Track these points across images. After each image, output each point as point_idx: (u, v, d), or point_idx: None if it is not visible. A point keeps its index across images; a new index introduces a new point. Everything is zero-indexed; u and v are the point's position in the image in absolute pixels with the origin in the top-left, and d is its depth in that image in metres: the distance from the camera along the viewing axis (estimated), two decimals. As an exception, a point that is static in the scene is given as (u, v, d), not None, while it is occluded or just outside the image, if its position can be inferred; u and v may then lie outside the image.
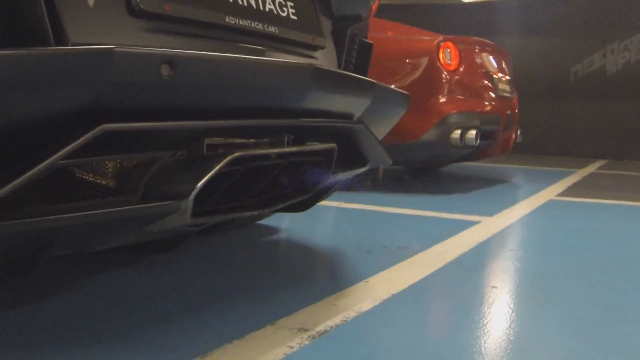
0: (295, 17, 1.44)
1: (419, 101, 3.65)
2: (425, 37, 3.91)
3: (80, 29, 0.91)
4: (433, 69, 3.81)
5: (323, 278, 1.81)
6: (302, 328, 1.26)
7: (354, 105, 1.49)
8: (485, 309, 1.48)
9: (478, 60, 4.15)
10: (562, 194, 4.03)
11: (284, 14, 1.40)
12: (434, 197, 3.69)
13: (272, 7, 1.35)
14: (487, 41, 4.38)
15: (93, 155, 0.92)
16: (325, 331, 1.26)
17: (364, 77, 1.61)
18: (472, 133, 3.87)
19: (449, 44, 3.84)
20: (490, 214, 3.05)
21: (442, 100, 3.82)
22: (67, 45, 0.88)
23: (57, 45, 0.86)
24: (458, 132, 3.78)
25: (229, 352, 1.13)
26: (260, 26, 1.29)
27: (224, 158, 1.06)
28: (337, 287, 1.60)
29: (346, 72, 1.55)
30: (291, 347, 1.16)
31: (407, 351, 1.19)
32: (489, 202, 3.63)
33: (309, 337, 1.22)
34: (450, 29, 6.24)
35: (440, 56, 3.81)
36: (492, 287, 1.69)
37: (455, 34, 4.18)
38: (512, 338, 1.29)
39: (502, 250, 2.26)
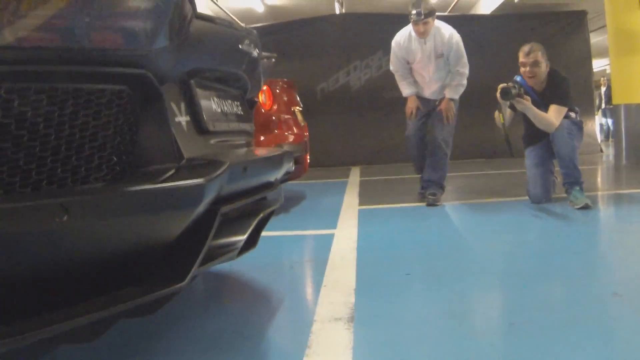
0: (242, 113, 2.41)
1: (247, 138, 4.72)
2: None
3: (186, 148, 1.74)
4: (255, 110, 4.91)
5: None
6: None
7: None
8: (409, 293, 2.67)
9: (284, 98, 5.37)
10: (362, 203, 5.45)
11: (240, 113, 2.36)
12: (277, 218, 4.80)
13: (236, 110, 2.31)
14: (284, 79, 5.63)
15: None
16: None
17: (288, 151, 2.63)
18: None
19: (266, 86, 4.99)
20: (333, 227, 4.27)
21: (264, 136, 4.95)
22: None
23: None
24: (279, 161, 4.96)
25: None
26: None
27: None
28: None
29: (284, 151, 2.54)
30: None
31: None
32: (319, 216, 4.87)
33: None
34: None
35: (260, 98, 4.93)
36: (407, 274, 2.88)
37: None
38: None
39: (377, 251, 3.47)
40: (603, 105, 15.43)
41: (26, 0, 1.19)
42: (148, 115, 1.51)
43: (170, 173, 1.47)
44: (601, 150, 10.24)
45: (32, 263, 1.18)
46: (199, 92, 1.82)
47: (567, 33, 10.30)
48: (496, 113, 4.56)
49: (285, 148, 4.98)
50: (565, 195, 4.59)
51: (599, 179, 6.90)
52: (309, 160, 6.06)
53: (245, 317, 2.34)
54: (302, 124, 5.71)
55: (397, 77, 5.28)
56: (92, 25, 1.29)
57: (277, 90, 5.23)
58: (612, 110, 9.64)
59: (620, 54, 7.62)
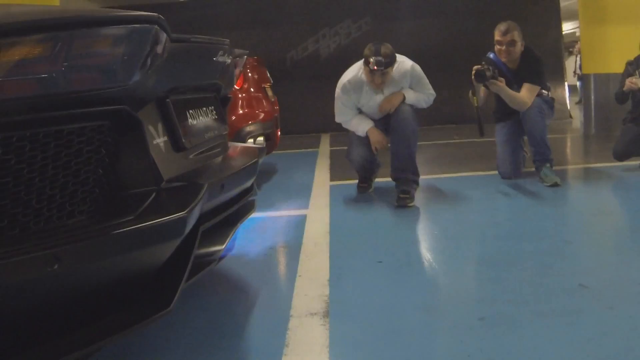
0: (216, 117, 2.47)
1: (218, 118, 4.78)
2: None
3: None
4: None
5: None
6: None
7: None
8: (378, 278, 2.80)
9: (255, 76, 5.40)
10: (333, 178, 5.54)
11: (214, 117, 2.42)
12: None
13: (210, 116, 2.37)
14: (254, 57, 5.65)
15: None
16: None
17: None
18: (261, 140, 5.16)
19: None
20: (305, 206, 4.36)
21: (235, 116, 4.99)
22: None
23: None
24: (251, 140, 5.02)
25: None
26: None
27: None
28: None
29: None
30: None
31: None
32: (291, 195, 4.96)
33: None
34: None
35: (230, 77, 4.96)
36: (379, 261, 3.00)
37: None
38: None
39: (349, 235, 3.58)
40: (579, 71, 15.60)
41: (1, 52, 1.24)
42: (128, 144, 1.57)
43: (148, 201, 1.53)
44: (570, 116, 10.42)
45: (17, 303, 1.25)
46: (175, 108, 1.87)
47: (536, -1, 10.39)
48: (470, 94, 4.62)
49: (256, 127, 5.04)
50: (534, 170, 4.72)
51: (568, 150, 7.07)
52: (279, 135, 6.12)
53: (223, 313, 2.44)
54: (273, 99, 5.76)
55: (349, 125, 4.52)
56: (69, 69, 1.34)
57: (248, 69, 5.26)
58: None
59: (590, 23, 7.70)
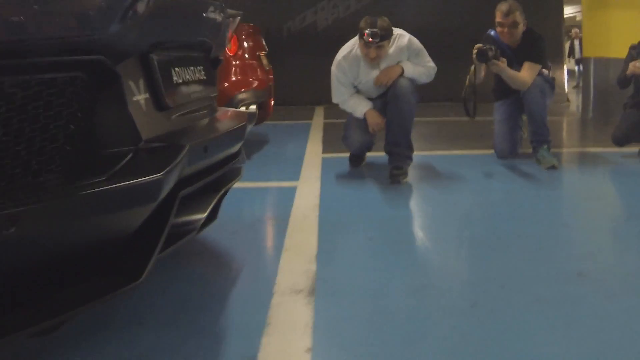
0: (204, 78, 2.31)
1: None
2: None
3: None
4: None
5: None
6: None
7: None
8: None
9: (249, 43, 5.23)
10: (326, 151, 5.40)
11: (202, 78, 2.26)
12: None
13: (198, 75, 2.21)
14: (250, 24, 5.48)
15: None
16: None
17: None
18: (253, 108, 5.00)
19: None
20: (295, 178, 4.23)
21: (227, 82, 4.84)
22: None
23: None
24: (243, 108, 4.87)
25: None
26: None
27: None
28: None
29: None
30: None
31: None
32: (281, 165, 4.84)
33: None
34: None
35: (224, 43, 4.79)
36: (369, 238, 2.89)
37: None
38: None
39: (339, 209, 3.46)
40: (577, 55, 15.49)
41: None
42: (104, 99, 1.44)
43: (124, 162, 1.40)
44: (568, 100, 10.30)
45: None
46: (159, 65, 1.73)
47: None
48: (471, 71, 4.46)
49: (249, 95, 4.89)
50: (531, 151, 4.60)
51: (566, 134, 6.96)
52: (272, 104, 5.97)
53: (203, 286, 2.33)
54: (267, 68, 5.60)
55: (346, 105, 4.31)
56: (40, 13, 1.20)
57: (243, 36, 5.10)
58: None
59: (593, 6, 7.55)
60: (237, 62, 4.90)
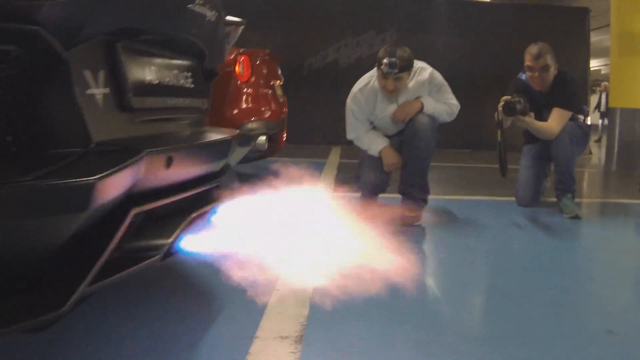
0: (192, 86, 2.01)
1: (219, 110, 4.36)
2: (223, 51, 4.59)
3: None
4: (229, 80, 4.54)
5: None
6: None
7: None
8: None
9: (264, 70, 4.98)
10: (336, 190, 5.09)
11: (188, 86, 1.97)
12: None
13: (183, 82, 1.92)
14: (267, 51, 5.24)
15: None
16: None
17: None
18: (262, 139, 4.70)
19: (244, 56, 4.60)
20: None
21: (237, 109, 4.57)
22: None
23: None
24: (252, 139, 4.58)
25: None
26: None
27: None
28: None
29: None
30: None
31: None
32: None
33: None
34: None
35: (236, 68, 4.55)
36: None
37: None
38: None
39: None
40: (602, 108, 15.24)
41: None
42: (45, 85, 1.15)
43: (60, 164, 1.11)
44: (590, 152, 9.96)
45: None
46: (127, 57, 1.45)
47: (567, 29, 9.95)
48: (496, 119, 4.07)
49: (259, 125, 4.62)
50: (554, 199, 4.25)
51: (589, 185, 6.61)
52: (285, 137, 5.69)
53: (175, 324, 2.01)
54: (282, 99, 5.33)
55: (361, 142, 3.97)
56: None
57: (257, 62, 4.85)
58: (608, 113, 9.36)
59: (622, 55, 7.28)
60: (249, 89, 4.64)
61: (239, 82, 4.55)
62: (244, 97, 4.60)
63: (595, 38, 11.43)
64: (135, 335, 1.89)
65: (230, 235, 3.32)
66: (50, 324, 1.22)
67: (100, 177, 1.05)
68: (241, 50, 4.57)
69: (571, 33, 9.96)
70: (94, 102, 1.32)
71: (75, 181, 1.02)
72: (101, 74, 1.37)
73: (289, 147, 7.31)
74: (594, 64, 18.38)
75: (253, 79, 4.71)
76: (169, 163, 1.35)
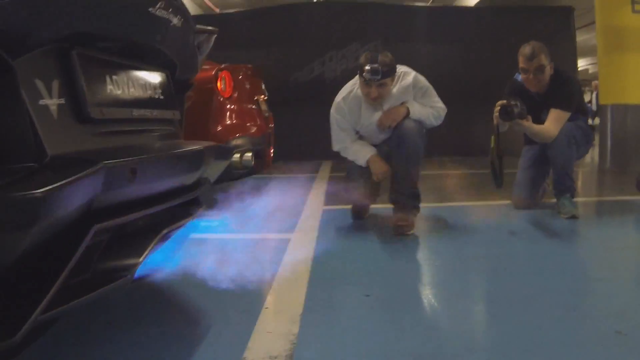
0: (161, 97, 1.92)
1: (202, 127, 4.26)
2: (205, 67, 4.50)
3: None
4: (211, 96, 4.44)
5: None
6: None
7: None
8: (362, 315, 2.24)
9: (247, 86, 4.89)
10: (328, 203, 4.99)
11: (157, 97, 1.87)
12: (230, 217, 4.31)
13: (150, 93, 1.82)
14: (249, 65, 5.15)
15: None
16: None
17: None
18: (249, 155, 4.59)
19: (225, 72, 4.51)
20: (291, 230, 3.80)
21: (221, 126, 4.47)
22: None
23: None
24: (237, 155, 4.47)
25: None
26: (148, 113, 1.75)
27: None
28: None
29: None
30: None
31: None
32: (277, 217, 4.41)
33: None
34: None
35: (218, 84, 4.45)
36: (366, 295, 2.45)
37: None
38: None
39: (335, 262, 3.03)
40: (594, 108, 15.24)
41: None
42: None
43: (12, 178, 1.01)
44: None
45: None
46: (84, 66, 1.35)
47: (552, 29, 9.91)
48: (494, 127, 3.94)
49: (244, 141, 4.52)
50: (554, 200, 4.16)
51: (586, 184, 6.52)
52: (273, 154, 5.59)
53: (159, 350, 1.89)
54: (267, 114, 5.24)
55: (347, 153, 3.88)
56: None
57: (239, 77, 4.75)
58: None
59: (609, 51, 7.22)
60: (232, 105, 4.54)
61: (221, 99, 4.44)
62: (227, 113, 4.49)
63: (580, 37, 11.41)
64: (119, 357, 1.79)
65: (217, 251, 3.23)
66: (6, 357, 1.12)
67: (48, 190, 0.95)
68: (222, 65, 4.48)
69: (557, 33, 9.91)
70: (48, 113, 1.22)
71: (21, 194, 0.92)
72: (55, 84, 1.27)
73: (278, 164, 7.22)
74: (581, 63, 18.42)
75: (236, 94, 4.61)
76: (132, 176, 1.25)
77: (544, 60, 3.94)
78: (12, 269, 0.99)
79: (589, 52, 15.46)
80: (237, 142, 4.50)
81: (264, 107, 5.19)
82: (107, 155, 1.22)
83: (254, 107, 4.92)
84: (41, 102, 1.21)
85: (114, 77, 1.51)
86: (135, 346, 1.91)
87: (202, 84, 4.34)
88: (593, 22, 7.77)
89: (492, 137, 3.95)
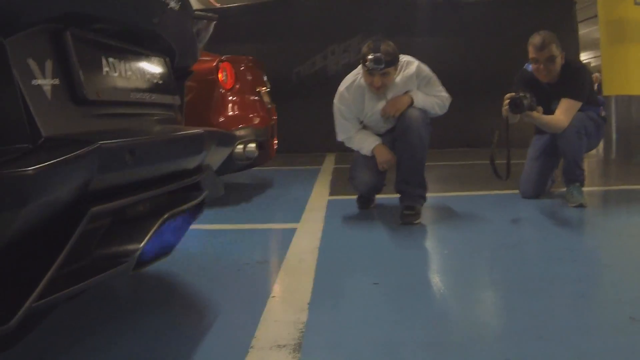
0: (160, 82, 1.86)
1: (205, 119, 4.21)
2: (205, 58, 4.45)
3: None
4: (213, 88, 4.38)
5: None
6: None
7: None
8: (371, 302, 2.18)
9: (248, 77, 4.83)
10: (333, 193, 4.94)
11: (156, 82, 1.82)
12: (236, 208, 4.27)
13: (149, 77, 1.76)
14: (250, 57, 5.09)
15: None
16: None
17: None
18: (252, 146, 4.53)
19: (227, 64, 4.45)
20: (297, 220, 3.75)
21: (223, 117, 4.42)
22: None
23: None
24: (241, 146, 4.42)
25: None
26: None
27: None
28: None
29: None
30: None
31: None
32: (283, 207, 4.37)
33: None
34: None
35: (219, 76, 4.40)
36: (374, 284, 2.39)
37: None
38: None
39: (343, 251, 2.97)
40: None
41: None
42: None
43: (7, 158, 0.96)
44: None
45: None
46: (79, 47, 1.29)
47: (554, 22, 9.81)
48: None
49: (247, 132, 4.47)
50: (561, 190, 4.10)
51: (592, 174, 6.45)
52: (276, 146, 5.54)
53: (167, 337, 1.85)
54: (269, 106, 5.18)
55: (352, 143, 3.85)
56: None
57: (241, 68, 4.70)
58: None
59: (612, 43, 7.17)
60: (234, 97, 4.48)
61: (222, 90, 4.39)
62: (230, 104, 4.44)
63: (582, 30, 11.31)
64: (124, 347, 1.74)
65: (222, 241, 3.19)
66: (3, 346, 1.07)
67: (39, 168, 0.90)
68: (223, 57, 4.42)
69: (559, 25, 9.82)
70: (41, 93, 1.17)
71: (11, 172, 0.86)
72: (49, 64, 1.22)
73: (282, 156, 7.17)
74: (583, 57, 18.29)
75: (238, 85, 4.55)
76: (130, 157, 1.19)
77: (555, 50, 3.84)
78: (5, 252, 0.94)
79: (591, 45, 15.34)
80: (240, 132, 4.44)
81: (266, 98, 5.13)
82: (104, 136, 1.17)
83: (256, 98, 4.87)
84: (34, 82, 1.16)
85: (111, 59, 1.45)
86: (141, 335, 1.86)
87: (203, 75, 4.29)
88: (595, 16, 7.71)
89: (497, 132, 3.86)
